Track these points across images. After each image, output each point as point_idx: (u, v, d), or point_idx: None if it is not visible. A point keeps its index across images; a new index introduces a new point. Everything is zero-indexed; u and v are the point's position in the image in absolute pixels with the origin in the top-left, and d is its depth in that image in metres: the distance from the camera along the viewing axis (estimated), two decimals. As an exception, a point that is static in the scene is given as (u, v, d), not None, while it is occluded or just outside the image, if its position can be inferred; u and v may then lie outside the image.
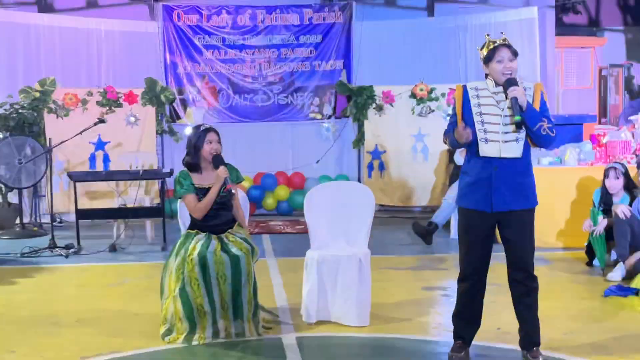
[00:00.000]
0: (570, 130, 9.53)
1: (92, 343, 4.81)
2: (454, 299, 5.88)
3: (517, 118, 4.12)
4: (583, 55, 17.91)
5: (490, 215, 4.25)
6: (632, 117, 9.11)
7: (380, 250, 7.58)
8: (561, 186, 7.91)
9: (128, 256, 7.81)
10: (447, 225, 8.58)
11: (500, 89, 4.22)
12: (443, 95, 10.42)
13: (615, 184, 6.80)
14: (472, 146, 4.28)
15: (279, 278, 6.60)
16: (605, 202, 6.85)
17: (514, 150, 4.19)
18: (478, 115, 4.25)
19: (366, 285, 5.19)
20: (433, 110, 10.47)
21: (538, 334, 4.37)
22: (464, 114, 4.28)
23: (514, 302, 4.38)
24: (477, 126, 4.24)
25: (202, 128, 5.01)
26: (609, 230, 6.62)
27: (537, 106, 4.20)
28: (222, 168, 4.88)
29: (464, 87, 4.34)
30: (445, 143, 4.47)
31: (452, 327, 4.52)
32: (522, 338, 4.41)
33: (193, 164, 4.96)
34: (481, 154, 4.23)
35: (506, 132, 4.18)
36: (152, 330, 4.94)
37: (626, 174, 6.83)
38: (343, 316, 5.15)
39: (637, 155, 8.34)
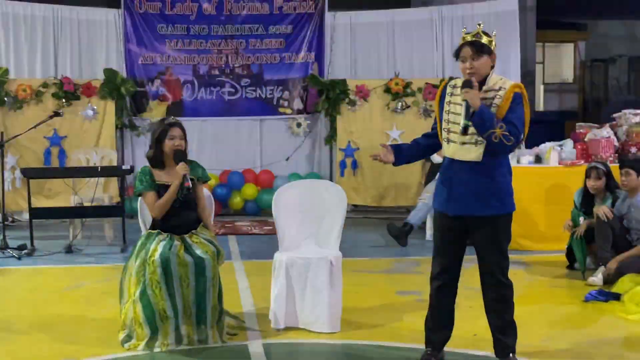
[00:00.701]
0: (549, 127, 9.65)
1: (46, 350, 4.77)
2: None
3: (463, 122, 4.12)
4: (565, 50, 18.09)
5: (452, 218, 4.27)
6: (615, 115, 9.23)
7: (352, 253, 7.60)
8: (541, 186, 7.99)
9: (85, 258, 7.75)
10: (422, 226, 8.63)
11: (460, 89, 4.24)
12: (419, 90, 10.47)
13: (597, 185, 6.89)
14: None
15: (246, 281, 6.60)
16: (587, 203, 6.93)
17: (471, 153, 4.18)
18: (446, 114, 4.30)
19: (337, 290, 5.21)
20: (409, 106, 10.52)
21: (512, 340, 4.39)
22: (439, 111, 4.35)
23: (485, 308, 4.41)
24: (443, 125, 4.30)
25: (166, 121, 5.00)
26: (590, 232, 6.71)
27: (504, 107, 4.14)
28: (181, 164, 4.85)
29: (447, 83, 4.38)
30: None
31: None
32: (494, 344, 4.44)
33: (154, 159, 4.94)
34: (444, 153, 4.32)
35: (464, 134, 4.17)
36: (110, 337, 4.91)
37: (608, 174, 6.92)
38: (313, 322, 5.16)
39: (619, 154, 8.46)
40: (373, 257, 7.84)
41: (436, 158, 8.69)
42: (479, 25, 4.27)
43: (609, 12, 16.89)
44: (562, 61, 18.11)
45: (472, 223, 4.25)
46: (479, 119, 4.07)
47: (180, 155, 4.89)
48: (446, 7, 11.15)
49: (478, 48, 4.16)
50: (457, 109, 4.22)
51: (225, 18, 10.93)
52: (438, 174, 4.47)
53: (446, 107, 4.29)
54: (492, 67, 4.24)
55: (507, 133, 4.05)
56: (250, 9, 10.94)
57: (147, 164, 5.02)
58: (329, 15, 11.00)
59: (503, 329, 4.37)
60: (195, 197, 4.98)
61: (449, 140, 4.25)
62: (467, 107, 4.10)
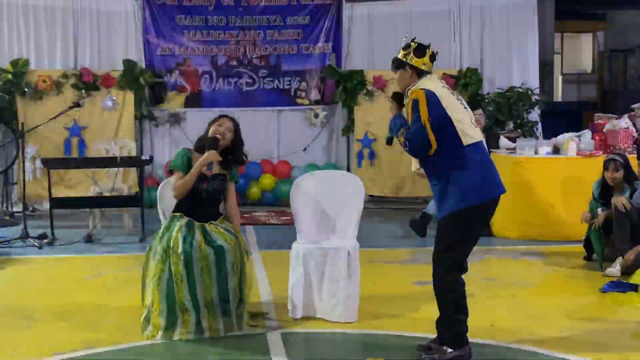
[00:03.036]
0: (567, 118, 9.60)
1: (66, 338, 4.81)
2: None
3: (387, 135, 4.45)
4: (584, 40, 17.95)
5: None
6: (634, 105, 9.17)
7: (369, 243, 7.61)
8: (559, 177, 7.96)
9: (104, 247, 7.80)
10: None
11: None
12: (437, 80, 10.45)
13: (615, 177, 6.85)
14: None
15: (264, 271, 6.62)
16: (605, 195, 6.90)
17: (413, 162, 4.51)
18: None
19: (355, 280, 5.22)
20: (426, 96, 10.49)
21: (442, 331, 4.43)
22: None
23: None
24: None
25: (221, 113, 5.15)
26: (608, 223, 6.68)
27: (409, 117, 4.29)
28: (211, 151, 4.87)
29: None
30: None
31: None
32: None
33: (198, 143, 5.00)
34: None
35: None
36: (130, 325, 4.95)
37: (626, 166, 6.87)
38: (330, 311, 5.17)
39: (638, 145, 8.40)
40: (390, 247, 7.85)
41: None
42: (406, 37, 4.61)
43: (628, 2, 16.74)
44: (580, 51, 17.98)
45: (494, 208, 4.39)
46: (392, 127, 4.42)
47: (214, 142, 4.91)
48: (463, -2, 11.11)
49: (395, 65, 4.49)
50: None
51: (243, 9, 10.94)
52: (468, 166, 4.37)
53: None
54: (420, 74, 4.43)
55: (403, 139, 4.29)
56: (268, 0, 10.94)
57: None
58: (346, 7, 11.01)
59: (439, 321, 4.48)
60: (225, 193, 5.03)
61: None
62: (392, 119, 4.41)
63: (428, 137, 4.20)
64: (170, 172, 5.07)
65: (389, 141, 4.37)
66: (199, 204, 4.92)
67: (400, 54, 4.46)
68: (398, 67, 4.44)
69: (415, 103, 4.25)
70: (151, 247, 4.90)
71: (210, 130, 4.98)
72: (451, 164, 4.26)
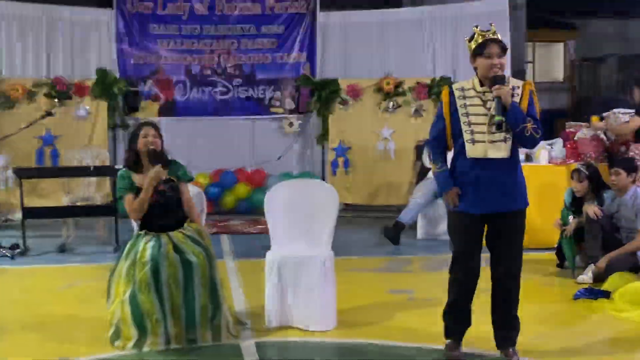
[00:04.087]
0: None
1: (38, 350, 4.76)
2: (420, 302, 5.95)
3: (498, 118, 4.22)
4: (555, 49, 18.13)
5: (479, 218, 4.36)
6: (604, 114, 9.24)
7: (344, 252, 7.61)
8: (531, 185, 8.01)
9: (78, 257, 7.74)
10: (413, 225, 8.65)
11: (486, 88, 4.32)
12: (411, 89, 10.50)
13: (579, 187, 6.92)
14: (458, 145, 4.39)
15: (239, 280, 6.60)
16: (577, 203, 6.96)
17: (501, 150, 4.29)
18: (465, 116, 4.35)
19: (330, 288, 5.21)
20: (400, 105, 10.55)
21: (515, 333, 4.54)
22: (452, 116, 4.39)
23: (493, 304, 4.52)
24: (464, 127, 4.34)
25: (139, 122, 5.01)
26: (580, 231, 6.73)
27: (524, 105, 4.30)
28: (156, 167, 4.80)
29: (450, 88, 4.45)
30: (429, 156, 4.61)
31: (419, 330, 4.57)
32: (498, 338, 4.56)
33: (130, 162, 4.91)
34: (468, 155, 4.33)
35: (493, 132, 4.27)
36: (103, 336, 4.91)
37: (592, 176, 6.92)
38: (305, 320, 5.16)
39: (609, 153, 8.48)
40: (365, 255, 7.86)
41: (427, 164, 8.74)
42: (492, 25, 4.37)
43: (599, 11, 16.94)
44: (552, 60, 18.16)
45: (496, 220, 4.35)
46: (513, 114, 4.22)
47: (155, 155, 4.84)
48: (437, 7, 11.18)
49: (503, 47, 4.29)
50: (478, 109, 4.32)
51: (217, 18, 10.93)
52: (439, 178, 4.48)
53: (462, 110, 4.37)
54: None
55: (535, 126, 4.25)
56: (242, 9, 10.95)
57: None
58: (320, 15, 11.03)
59: (510, 323, 4.51)
60: (180, 197, 4.95)
61: (474, 141, 4.31)
62: (499, 103, 4.22)
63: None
64: (121, 198, 4.96)
65: (500, 126, 4.23)
66: (159, 217, 4.86)
67: (498, 36, 4.32)
68: (505, 51, 4.31)
69: (531, 94, 4.35)
70: (116, 267, 4.85)
71: (140, 144, 4.88)
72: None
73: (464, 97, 4.38)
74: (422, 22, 11.03)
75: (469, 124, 4.33)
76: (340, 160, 10.65)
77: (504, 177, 4.32)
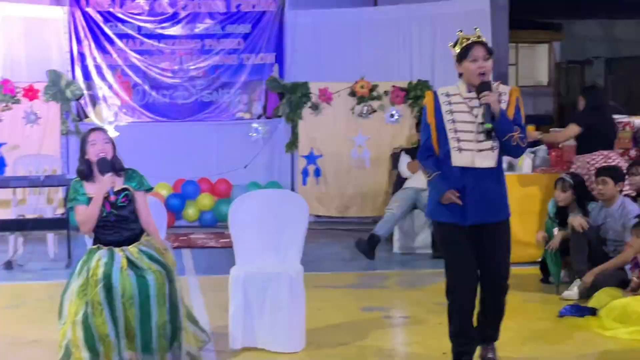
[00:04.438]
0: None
1: (-17, 375, 4.70)
2: (396, 320, 5.96)
3: (487, 126, 4.33)
4: (539, 51, 18.29)
5: (468, 229, 4.46)
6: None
7: (315, 267, 7.61)
8: (514, 195, 8.06)
9: (27, 274, 7.67)
10: (389, 238, 8.67)
11: (473, 94, 4.41)
12: (386, 93, 10.54)
13: (563, 197, 6.98)
14: (442, 153, 4.48)
15: (201, 298, 6.57)
16: (561, 214, 7.01)
17: (489, 159, 4.41)
18: (450, 123, 4.44)
19: (298, 306, 5.21)
20: (375, 110, 10.58)
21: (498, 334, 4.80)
22: (436, 122, 4.48)
23: (481, 313, 4.69)
24: (450, 134, 4.43)
25: (88, 129, 4.98)
26: (565, 244, 6.79)
27: (511, 113, 4.42)
28: (107, 176, 4.76)
29: (434, 93, 4.54)
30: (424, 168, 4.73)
31: (395, 351, 4.58)
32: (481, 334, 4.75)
33: (81, 172, 4.87)
34: (454, 163, 4.41)
35: (480, 141, 4.38)
36: (53, 358, 4.86)
37: (577, 186, 6.99)
38: (273, 341, 5.15)
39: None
40: (337, 271, 7.87)
41: (406, 172, 8.78)
42: (476, 29, 4.49)
43: (585, 12, 17.13)
44: (536, 63, 18.32)
45: (484, 230, 4.47)
46: (503, 121, 4.33)
47: (104, 164, 4.79)
48: (414, 5, 11.22)
49: (489, 50, 4.41)
50: (465, 116, 4.42)
51: (179, 16, 10.91)
52: (433, 185, 4.59)
53: (448, 117, 4.45)
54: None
55: (522, 135, 4.37)
56: (206, 6, 10.94)
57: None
58: (290, 14, 11.03)
59: (494, 333, 4.74)
60: (136, 209, 4.90)
61: (461, 149, 4.41)
62: (488, 110, 4.32)
63: None
64: (72, 209, 4.90)
65: (489, 133, 4.35)
66: (112, 230, 4.81)
67: (483, 39, 4.46)
68: (491, 54, 4.43)
69: (518, 101, 4.50)
70: (68, 285, 4.80)
71: (90, 153, 4.82)
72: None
73: (450, 103, 4.46)
74: (399, 22, 11.07)
75: (455, 131, 4.41)
76: (311, 168, 10.65)
77: (490, 187, 4.44)
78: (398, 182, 9.06)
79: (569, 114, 14.10)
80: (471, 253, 4.50)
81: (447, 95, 4.49)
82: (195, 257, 8.48)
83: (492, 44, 11.05)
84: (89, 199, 4.77)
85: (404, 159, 8.94)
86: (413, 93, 10.50)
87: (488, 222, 4.45)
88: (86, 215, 4.74)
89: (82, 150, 4.87)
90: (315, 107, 10.63)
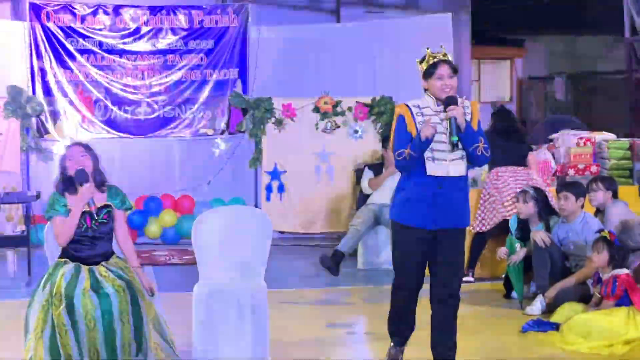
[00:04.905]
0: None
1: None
2: (361, 337, 5.99)
3: (454, 138, 4.58)
4: (501, 67, 18.49)
5: (430, 234, 4.71)
6: (552, 136, 9.48)
7: (279, 283, 7.61)
8: (476, 210, 8.14)
9: (-15, 293, 7.58)
10: (353, 254, 8.70)
11: (441, 107, 4.67)
12: (350, 109, 10.58)
13: (524, 209, 7.06)
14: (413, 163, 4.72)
15: (164, 316, 6.53)
16: (523, 229, 7.09)
17: (459, 168, 4.70)
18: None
19: (262, 323, 5.22)
20: (339, 126, 10.61)
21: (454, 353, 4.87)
22: (409, 133, 4.69)
23: (434, 326, 4.81)
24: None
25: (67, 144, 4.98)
26: (527, 259, 6.87)
27: (475, 125, 4.69)
28: (84, 186, 4.74)
29: (407, 105, 4.78)
30: (404, 158, 4.70)
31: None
32: (438, 354, 4.85)
33: (61, 186, 4.85)
34: (428, 172, 4.65)
35: (452, 151, 4.64)
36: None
37: (539, 198, 7.09)
38: (236, 358, 5.15)
39: (557, 178, 8.71)
40: (301, 287, 7.88)
41: (367, 189, 8.84)
42: (442, 47, 4.77)
43: (547, 28, 17.34)
44: (498, 79, 18.51)
45: (442, 236, 4.72)
46: (468, 134, 4.61)
47: (81, 174, 4.76)
48: (377, 21, 11.33)
49: (454, 68, 4.69)
50: (437, 127, 4.64)
51: (141, 31, 10.88)
52: (397, 190, 4.87)
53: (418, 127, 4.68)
54: None
55: (486, 146, 4.65)
56: (169, 22, 10.92)
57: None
58: (253, 30, 11.05)
59: (452, 346, 4.81)
60: (114, 225, 4.88)
61: (434, 159, 4.66)
62: (454, 123, 4.57)
63: None
64: (50, 219, 4.87)
65: (455, 145, 4.60)
66: (86, 245, 4.79)
67: (449, 57, 4.74)
68: (456, 72, 4.71)
69: (478, 114, 4.78)
70: (33, 298, 4.76)
71: (69, 168, 4.80)
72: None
73: (422, 115, 4.70)
74: (362, 38, 11.15)
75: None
76: (275, 184, 10.65)
77: (457, 194, 4.71)
78: (362, 198, 9.12)
79: (530, 130, 14.26)
80: (423, 259, 4.80)
81: (419, 107, 4.74)
82: (158, 275, 8.41)
83: (454, 60, 11.21)
84: (68, 211, 4.74)
85: (367, 175, 9.01)
86: (377, 109, 10.55)
87: (451, 227, 4.72)
88: (64, 226, 4.70)
89: (62, 166, 4.86)
90: (278, 123, 10.65)
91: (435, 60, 4.67)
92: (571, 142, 9.00)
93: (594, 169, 8.80)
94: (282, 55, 11.10)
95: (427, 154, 4.64)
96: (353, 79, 11.05)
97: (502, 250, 7.09)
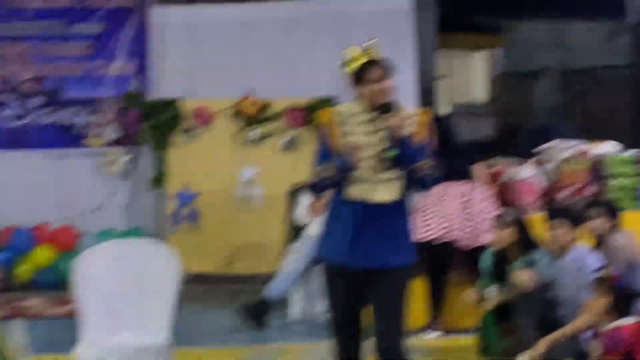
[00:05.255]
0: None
1: None
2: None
3: (390, 154, 4.62)
4: (475, 60, 18.68)
5: (361, 274, 4.71)
6: (540, 148, 9.56)
7: (191, 340, 7.57)
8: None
9: None
10: (285, 302, 8.70)
11: (373, 115, 4.72)
12: (281, 113, 10.60)
13: (502, 236, 7.09)
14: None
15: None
16: (499, 265, 7.11)
17: (390, 192, 4.71)
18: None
19: (167, 393, 5.20)
20: (267, 135, 10.63)
21: None
22: (330, 147, 4.74)
23: None
24: None
25: None
26: (507, 307, 6.90)
27: (419, 139, 4.72)
28: None
29: (335, 111, 4.86)
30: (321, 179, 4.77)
31: None
32: None
33: None
34: (347, 196, 4.69)
35: (381, 170, 4.65)
36: None
37: (521, 226, 7.13)
38: None
39: (547, 201, 8.78)
40: (219, 344, 7.88)
41: (304, 218, 8.84)
42: (371, 43, 4.77)
43: (532, 12, 17.54)
44: (471, 75, 18.69)
45: (376, 278, 4.72)
46: (405, 149, 4.62)
47: None
48: (317, 3, 11.34)
49: (387, 68, 4.72)
50: (363, 140, 4.70)
51: (6, 12, 10.79)
52: (326, 219, 4.92)
53: (342, 141, 4.72)
54: None
55: (430, 164, 4.66)
56: (44, 0, 10.85)
57: None
58: (156, 11, 11.02)
59: None
60: None
61: (356, 180, 4.69)
62: (390, 135, 4.62)
63: None
64: None
65: (391, 162, 4.64)
66: None
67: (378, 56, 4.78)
68: (391, 73, 4.76)
69: (428, 126, 4.83)
70: None
71: None
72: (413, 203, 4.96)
73: (347, 124, 4.74)
74: (298, 23, 11.19)
75: None
76: (185, 211, 10.62)
77: (390, 224, 4.73)
78: (295, 230, 9.12)
79: (511, 139, 14.41)
80: (356, 306, 4.80)
81: (345, 115, 4.79)
82: (30, 331, 8.31)
83: (416, 52, 11.31)
84: None
85: (304, 199, 8.99)
86: (316, 113, 10.61)
87: (383, 267, 4.71)
88: None
89: None
90: (189, 132, 10.63)
91: (359, 62, 4.74)
92: (563, 155, 9.09)
93: (591, 189, 8.89)
94: (193, 44, 11.09)
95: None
96: (286, 74, 11.07)
97: (471, 294, 7.09)
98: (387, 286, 4.74)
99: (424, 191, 5.11)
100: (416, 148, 4.68)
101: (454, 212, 7.78)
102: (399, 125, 4.64)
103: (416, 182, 4.73)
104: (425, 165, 4.65)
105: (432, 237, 7.82)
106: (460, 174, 8.04)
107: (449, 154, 7.96)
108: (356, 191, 4.68)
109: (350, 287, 4.76)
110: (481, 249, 7.53)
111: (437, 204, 7.93)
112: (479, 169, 8.15)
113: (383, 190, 4.69)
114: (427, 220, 7.89)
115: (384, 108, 4.67)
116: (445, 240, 7.87)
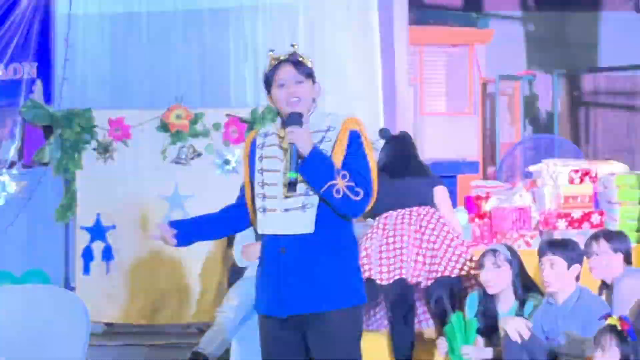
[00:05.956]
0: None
1: None
2: None
3: (291, 175, 4.66)
4: (456, 59, 18.80)
5: (285, 322, 4.79)
6: (532, 168, 9.62)
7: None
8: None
9: None
10: (224, 357, 8.71)
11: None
12: (217, 126, 10.60)
13: (494, 278, 7.09)
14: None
15: None
16: (486, 312, 7.16)
17: (299, 222, 4.77)
18: (259, 174, 4.82)
19: None
20: (200, 154, 10.63)
21: None
22: (250, 174, 4.89)
23: None
24: (257, 189, 4.82)
25: None
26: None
27: (339, 153, 4.74)
28: None
29: (257, 133, 5.00)
30: None
31: None
32: None
33: None
34: (260, 229, 4.83)
35: (287, 196, 4.71)
36: None
37: (516, 263, 7.16)
38: None
39: (541, 233, 8.83)
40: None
41: (242, 260, 8.83)
42: (294, 45, 4.90)
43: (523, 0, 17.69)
44: (450, 77, 18.76)
45: (308, 325, 4.78)
46: (312, 168, 4.65)
47: None
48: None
49: (303, 69, 4.79)
50: (274, 163, 4.77)
51: None
52: (259, 263, 4.99)
53: (258, 165, 4.83)
54: (314, 100, 4.89)
55: (352, 184, 4.66)
56: None
57: None
58: (62, 3, 11.00)
59: None
60: None
61: (265, 210, 4.81)
62: (295, 152, 4.64)
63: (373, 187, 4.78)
64: None
65: (293, 185, 4.67)
66: None
67: (302, 58, 4.86)
68: (308, 75, 4.84)
69: (359, 137, 4.82)
70: None
71: None
72: (352, 234, 4.99)
73: (263, 147, 4.87)
74: (237, 15, 11.22)
75: (263, 184, 4.80)
76: (98, 248, 10.59)
77: (312, 262, 4.77)
78: (236, 270, 9.10)
79: (498, 157, 14.50)
80: (294, 355, 4.86)
81: (265, 135, 4.92)
82: None
83: (382, 49, 11.33)
84: None
85: (242, 236, 8.92)
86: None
87: (311, 312, 4.77)
88: None
89: None
90: (103, 149, 10.60)
91: (276, 62, 4.83)
92: (562, 176, 9.13)
93: (596, 218, 8.90)
94: (108, 42, 11.08)
95: (258, 202, 4.82)
96: (222, 80, 11.08)
97: (442, 345, 7.07)
98: (322, 335, 4.78)
99: (351, 219, 5.03)
100: (324, 165, 4.67)
101: (407, 243, 7.75)
102: (305, 140, 4.66)
103: (334, 207, 4.72)
104: (340, 185, 4.64)
105: (380, 276, 7.79)
106: (419, 197, 8.06)
107: (405, 173, 8.06)
108: (268, 224, 4.78)
109: (284, 340, 4.83)
110: (439, 283, 7.60)
111: (384, 236, 7.92)
112: (441, 190, 8.15)
113: (295, 221, 4.74)
114: (372, 256, 7.88)
115: (292, 119, 4.72)
116: (397, 277, 7.80)
